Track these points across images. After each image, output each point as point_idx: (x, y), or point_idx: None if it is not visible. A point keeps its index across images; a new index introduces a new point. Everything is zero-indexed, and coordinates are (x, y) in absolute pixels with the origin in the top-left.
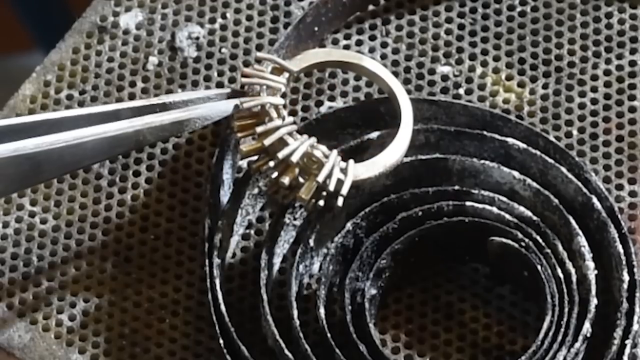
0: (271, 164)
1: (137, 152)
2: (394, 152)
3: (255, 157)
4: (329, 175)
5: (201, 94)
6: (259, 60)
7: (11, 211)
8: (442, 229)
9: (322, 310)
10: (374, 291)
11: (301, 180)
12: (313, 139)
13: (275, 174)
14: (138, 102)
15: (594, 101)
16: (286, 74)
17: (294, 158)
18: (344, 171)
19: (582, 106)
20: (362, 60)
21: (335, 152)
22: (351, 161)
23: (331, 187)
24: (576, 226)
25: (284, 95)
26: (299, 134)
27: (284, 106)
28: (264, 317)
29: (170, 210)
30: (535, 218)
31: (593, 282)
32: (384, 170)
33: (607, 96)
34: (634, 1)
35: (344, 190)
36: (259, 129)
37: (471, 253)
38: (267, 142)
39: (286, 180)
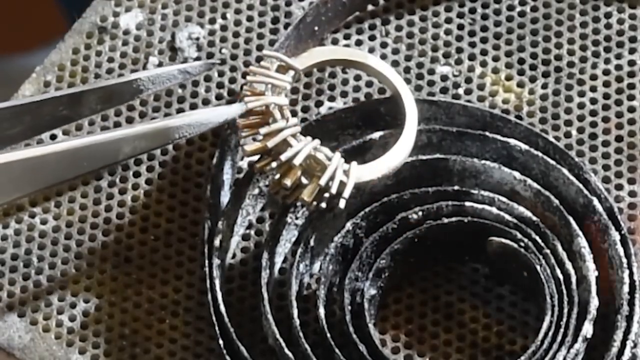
0: (274, 164)
1: None
2: (398, 154)
3: (257, 157)
4: (332, 178)
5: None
6: (259, 60)
7: (11, 212)
8: (442, 229)
9: (322, 310)
10: (373, 291)
11: (304, 181)
12: (317, 141)
13: (277, 176)
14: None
15: (593, 101)
16: (291, 72)
17: (297, 161)
18: (346, 173)
19: (581, 106)
20: (368, 58)
21: (338, 154)
22: (354, 163)
23: (333, 190)
24: (576, 227)
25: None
26: (302, 135)
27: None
28: (264, 316)
29: (171, 211)
30: (535, 218)
31: (593, 283)
32: (387, 172)
33: (606, 96)
34: (633, 1)
35: (346, 192)
36: (263, 130)
37: (471, 253)
38: (271, 143)
39: (288, 182)
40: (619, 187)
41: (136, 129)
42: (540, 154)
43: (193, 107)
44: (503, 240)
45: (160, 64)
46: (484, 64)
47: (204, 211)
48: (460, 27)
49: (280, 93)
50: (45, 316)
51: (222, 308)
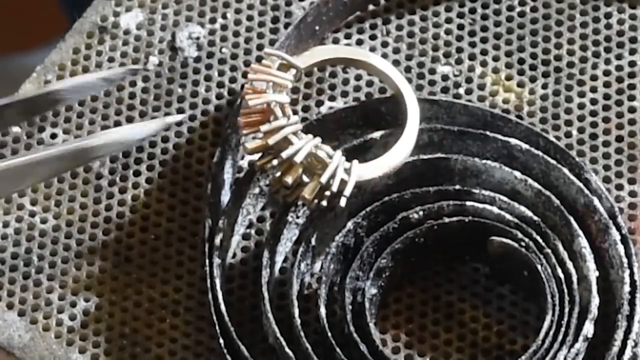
0: (275, 162)
1: (137, 151)
2: (399, 153)
3: (258, 156)
4: (333, 176)
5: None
6: (260, 60)
7: (11, 211)
8: (443, 229)
9: (322, 310)
10: (374, 291)
11: (305, 179)
12: (318, 139)
13: (278, 173)
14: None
15: (594, 101)
16: (293, 71)
17: (298, 158)
18: (347, 172)
19: (581, 106)
20: (370, 57)
21: (339, 152)
22: (355, 162)
23: (334, 188)
24: (577, 227)
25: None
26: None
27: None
28: (265, 315)
29: (171, 210)
30: (536, 218)
31: (594, 282)
32: (388, 171)
33: (607, 96)
34: (633, 1)
35: (347, 191)
36: (264, 128)
37: (471, 253)
38: (272, 141)
39: (289, 179)
40: (620, 187)
41: (53, 151)
42: (541, 154)
43: (193, 106)
44: (504, 239)
45: (160, 64)
46: (484, 64)
47: (204, 210)
48: (461, 27)
49: (282, 91)
50: (45, 315)
51: (223, 307)
